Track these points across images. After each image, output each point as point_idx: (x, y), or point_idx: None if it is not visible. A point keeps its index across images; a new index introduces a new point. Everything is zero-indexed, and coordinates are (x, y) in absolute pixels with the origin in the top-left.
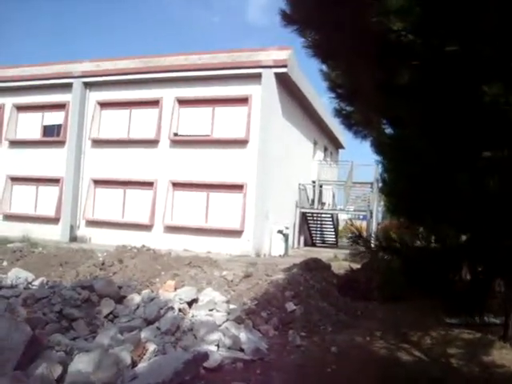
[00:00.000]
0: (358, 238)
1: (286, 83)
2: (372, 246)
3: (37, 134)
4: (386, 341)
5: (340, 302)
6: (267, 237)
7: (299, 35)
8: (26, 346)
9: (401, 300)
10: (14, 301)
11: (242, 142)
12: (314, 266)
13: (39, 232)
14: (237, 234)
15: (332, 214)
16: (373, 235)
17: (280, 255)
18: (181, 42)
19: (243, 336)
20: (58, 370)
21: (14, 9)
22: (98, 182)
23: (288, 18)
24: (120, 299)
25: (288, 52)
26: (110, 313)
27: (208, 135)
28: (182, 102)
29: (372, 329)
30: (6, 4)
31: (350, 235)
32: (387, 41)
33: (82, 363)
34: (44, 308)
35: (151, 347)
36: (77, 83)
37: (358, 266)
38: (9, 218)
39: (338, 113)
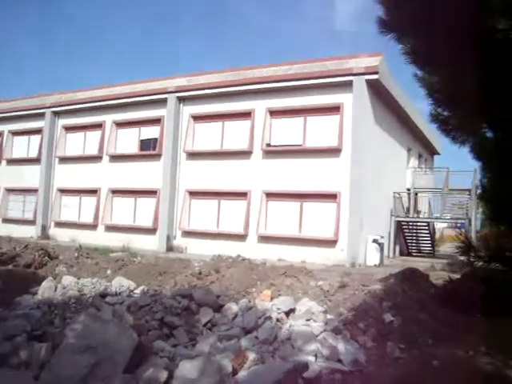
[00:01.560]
0: (467, 247)
1: (377, 90)
2: (481, 256)
3: (134, 149)
4: (491, 357)
5: (440, 314)
6: (362, 246)
7: (397, 42)
8: (133, 351)
9: (510, 314)
10: (119, 308)
11: (334, 151)
12: (411, 276)
13: (138, 242)
14: (331, 243)
15: (428, 223)
16: (479, 244)
17: (375, 265)
18: (269, 53)
19: (341, 347)
20: (163, 375)
21: (109, 30)
22: (193, 194)
23: (385, 25)
24: (218, 308)
25: (379, 58)
26: (209, 321)
27: (300, 145)
28: (274, 113)
29: (475, 343)
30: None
31: (458, 245)
32: (493, 41)
33: (186, 369)
34: (146, 315)
35: (251, 356)
36: (171, 98)
37: (458, 277)
38: (110, 228)
39: (435, 118)
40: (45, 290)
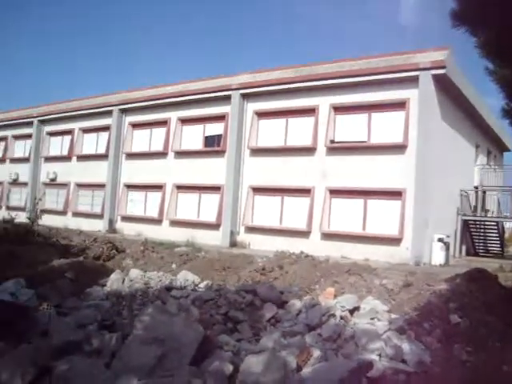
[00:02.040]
0: None
1: (444, 85)
2: None
3: (199, 145)
4: None
5: (509, 317)
6: (427, 245)
7: (470, 35)
8: (199, 344)
9: None
10: (184, 301)
11: (399, 148)
12: (478, 277)
13: (202, 237)
14: (395, 241)
15: (497, 222)
16: None
17: (440, 264)
18: (333, 49)
19: (406, 347)
20: (229, 369)
21: (172, 32)
22: (256, 190)
23: (458, 18)
24: (281, 304)
25: (446, 52)
26: (273, 317)
27: (364, 141)
28: (338, 109)
29: None
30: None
31: None
32: None
33: (251, 364)
34: (211, 310)
35: (315, 353)
36: (235, 95)
37: None
38: (174, 223)
39: (507, 113)
40: (113, 281)
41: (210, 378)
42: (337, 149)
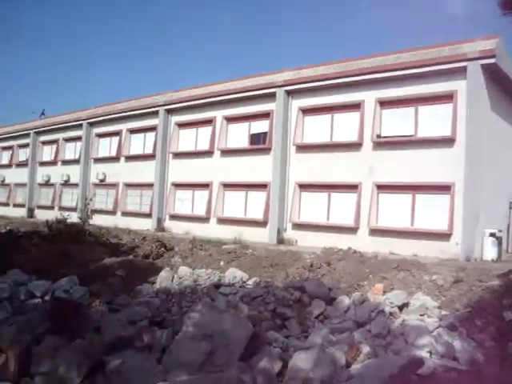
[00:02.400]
0: None
1: (494, 75)
2: None
3: (245, 143)
4: None
5: None
6: (478, 240)
7: None
8: (248, 341)
9: None
10: (233, 298)
11: (448, 141)
12: None
13: (248, 234)
14: (444, 236)
15: None
16: None
17: (492, 260)
18: (376, 42)
19: (457, 344)
20: (278, 365)
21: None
22: (302, 186)
23: (508, 6)
24: (330, 301)
25: (495, 41)
26: (321, 313)
27: (412, 135)
28: (384, 103)
29: None
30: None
31: None
32: None
33: (300, 360)
34: (259, 306)
35: (364, 349)
36: (280, 92)
37: None
38: (222, 221)
39: None
40: (162, 279)
41: (259, 374)
42: (383, 143)
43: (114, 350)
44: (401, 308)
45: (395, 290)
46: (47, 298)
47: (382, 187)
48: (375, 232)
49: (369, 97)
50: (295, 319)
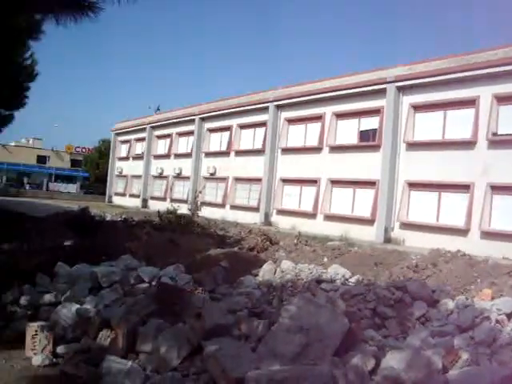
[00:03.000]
0: None
1: None
2: None
3: (354, 139)
4: None
5: None
6: None
7: None
8: (343, 336)
9: None
10: (333, 295)
11: None
12: None
13: (355, 232)
14: None
15: None
16: None
17: None
18: (492, 35)
19: None
20: (371, 363)
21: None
22: (412, 185)
23: None
24: (433, 303)
25: None
26: (422, 315)
27: None
28: (501, 99)
29: None
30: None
31: None
32: None
33: (393, 360)
34: (359, 304)
35: (464, 356)
36: (390, 88)
37: None
38: (328, 218)
39: None
40: (265, 272)
41: (351, 370)
42: (500, 142)
43: (212, 336)
44: (509, 316)
45: (504, 297)
46: (154, 283)
47: (496, 188)
48: (487, 235)
49: (485, 92)
50: (395, 319)
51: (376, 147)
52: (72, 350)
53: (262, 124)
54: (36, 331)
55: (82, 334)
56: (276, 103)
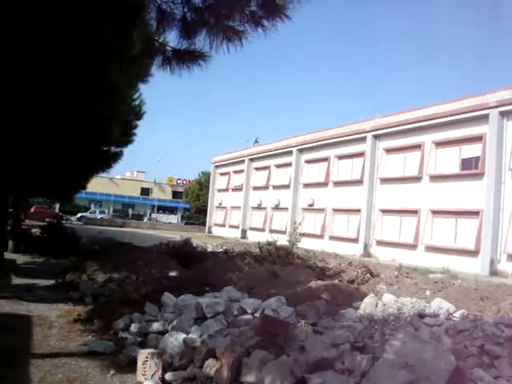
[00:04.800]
0: None
1: None
2: None
3: (455, 168)
4: None
5: None
6: None
7: None
8: (450, 375)
9: None
10: (437, 330)
11: None
12: None
13: (457, 264)
14: None
15: None
16: None
17: None
18: None
19: None
20: None
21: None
22: None
23: None
24: None
25: None
26: None
27: None
28: None
29: None
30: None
31: None
32: None
33: None
34: (465, 341)
35: None
36: (493, 113)
37: None
38: (429, 249)
39: None
40: (366, 305)
41: None
42: None
43: (315, 369)
44: None
45: None
46: (257, 314)
47: None
48: None
49: None
50: (506, 359)
51: (479, 175)
52: (180, 378)
53: (360, 154)
54: (146, 357)
55: (188, 362)
56: (373, 133)
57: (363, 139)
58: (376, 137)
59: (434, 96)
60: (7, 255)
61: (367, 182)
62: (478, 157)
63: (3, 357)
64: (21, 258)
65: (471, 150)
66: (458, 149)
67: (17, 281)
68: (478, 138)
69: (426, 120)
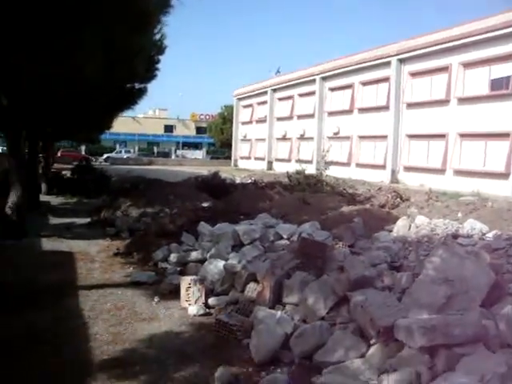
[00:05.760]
0: None
1: None
2: None
3: (484, 89)
4: None
5: None
6: None
7: None
8: (489, 289)
9: None
10: (471, 249)
11: None
12: None
13: (487, 187)
14: None
15: None
16: None
17: None
18: None
19: None
20: None
21: None
22: None
23: None
24: None
25: None
26: None
27: None
28: None
29: None
30: None
31: None
32: None
33: None
34: (501, 258)
35: None
36: None
37: None
38: (458, 173)
39: None
40: (399, 228)
41: (502, 319)
42: None
43: (357, 287)
44: None
45: None
46: (293, 239)
47: None
48: None
49: None
50: None
51: (510, 96)
52: (222, 302)
53: (385, 79)
54: (189, 284)
55: (229, 287)
56: (398, 57)
57: (388, 64)
58: (401, 61)
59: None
60: (42, 197)
61: (393, 107)
62: (509, 76)
63: (55, 289)
64: (55, 200)
65: (501, 70)
66: (487, 69)
67: (54, 221)
68: (509, 57)
69: (453, 40)
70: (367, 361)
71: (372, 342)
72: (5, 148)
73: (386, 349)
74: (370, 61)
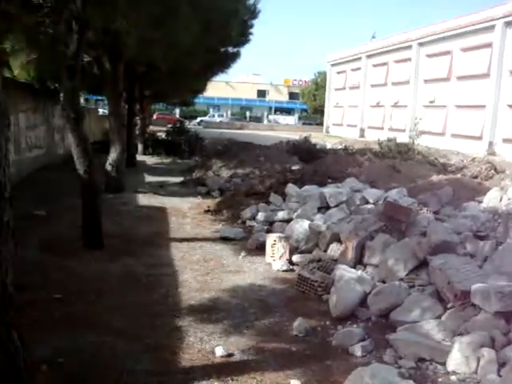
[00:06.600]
0: None
1: None
2: None
3: None
4: None
5: None
6: None
7: None
8: None
9: None
10: None
11: None
12: None
13: None
14: None
15: None
16: None
17: None
18: None
19: None
20: None
21: None
22: None
23: None
24: None
25: None
26: None
27: None
28: None
29: None
30: None
31: None
32: None
33: None
34: None
35: None
36: None
37: None
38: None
39: None
40: (490, 199)
41: None
42: None
43: (437, 252)
44: None
45: None
46: (379, 203)
47: None
48: None
49: None
50: None
51: None
52: (306, 259)
53: (487, 45)
54: (275, 241)
55: (313, 246)
56: (505, 20)
57: (491, 28)
58: (508, 24)
59: None
60: (138, 157)
61: (495, 74)
62: None
63: (149, 239)
64: (150, 159)
65: None
66: None
67: (149, 178)
68: None
69: None
70: (442, 323)
71: (449, 305)
72: (106, 110)
73: (462, 313)
74: (471, 25)
